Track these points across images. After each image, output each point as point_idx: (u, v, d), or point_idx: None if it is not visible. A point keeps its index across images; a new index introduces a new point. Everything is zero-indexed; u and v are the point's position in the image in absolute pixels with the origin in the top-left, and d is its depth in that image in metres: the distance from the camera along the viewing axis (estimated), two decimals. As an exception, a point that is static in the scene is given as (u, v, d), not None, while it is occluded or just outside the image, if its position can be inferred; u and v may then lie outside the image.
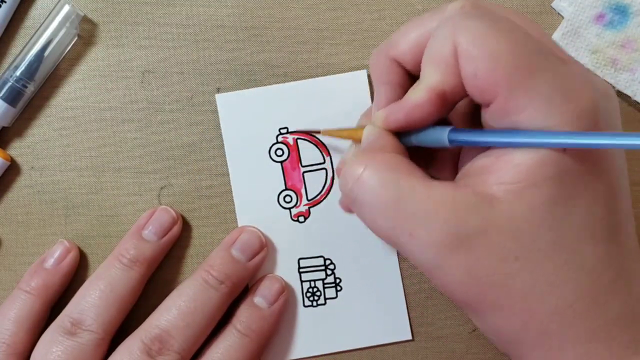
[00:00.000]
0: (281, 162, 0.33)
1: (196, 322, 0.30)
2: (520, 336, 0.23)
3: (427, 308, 0.34)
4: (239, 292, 0.32)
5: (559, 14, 0.33)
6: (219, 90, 0.34)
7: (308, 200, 0.33)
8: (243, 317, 0.31)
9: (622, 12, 0.33)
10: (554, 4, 0.34)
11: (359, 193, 0.24)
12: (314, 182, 0.33)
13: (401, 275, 0.33)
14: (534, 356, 0.23)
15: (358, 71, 0.33)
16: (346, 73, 0.33)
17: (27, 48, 0.33)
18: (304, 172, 0.33)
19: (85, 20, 0.34)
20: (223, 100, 0.33)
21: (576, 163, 0.22)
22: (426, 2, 0.34)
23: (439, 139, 0.25)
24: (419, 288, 0.34)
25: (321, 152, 0.33)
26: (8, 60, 0.34)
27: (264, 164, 0.33)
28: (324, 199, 0.33)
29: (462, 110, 0.27)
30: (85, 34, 0.34)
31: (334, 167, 0.33)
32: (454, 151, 0.28)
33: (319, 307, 0.33)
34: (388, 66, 0.27)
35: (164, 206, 0.33)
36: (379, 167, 0.24)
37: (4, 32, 0.33)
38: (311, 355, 0.33)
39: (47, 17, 0.33)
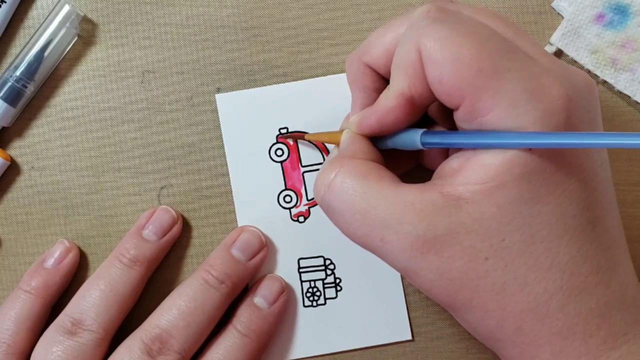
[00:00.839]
0: (281, 162, 0.33)
1: (196, 321, 0.30)
2: (496, 333, 0.23)
3: (427, 308, 0.34)
4: (239, 292, 0.32)
5: (559, 14, 0.34)
6: (219, 90, 0.34)
7: (308, 200, 0.33)
8: (243, 317, 0.31)
9: (622, 12, 0.33)
10: (554, 4, 0.34)
11: (330, 200, 0.25)
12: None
13: (401, 275, 0.33)
14: (513, 352, 0.24)
15: None
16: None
17: (27, 48, 0.33)
18: (304, 172, 0.33)
19: (85, 20, 0.34)
20: (223, 100, 0.33)
21: (545, 162, 0.22)
22: (426, 2, 0.34)
23: (412, 142, 0.25)
24: (416, 290, 0.34)
25: (321, 152, 0.33)
26: (8, 60, 0.34)
27: (264, 164, 0.33)
28: None
29: (443, 108, 0.27)
30: (85, 34, 0.34)
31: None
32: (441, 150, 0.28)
33: (319, 307, 0.33)
34: (362, 71, 0.27)
35: (164, 206, 0.33)
36: (349, 173, 0.24)
37: (4, 32, 0.33)
38: (311, 355, 0.33)
39: (47, 17, 0.33)
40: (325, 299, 0.33)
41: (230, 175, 0.33)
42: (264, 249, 0.33)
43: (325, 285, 0.33)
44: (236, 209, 0.33)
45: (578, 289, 0.22)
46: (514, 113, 0.22)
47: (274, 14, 0.34)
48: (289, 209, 0.33)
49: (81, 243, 0.34)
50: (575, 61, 0.33)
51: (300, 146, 0.33)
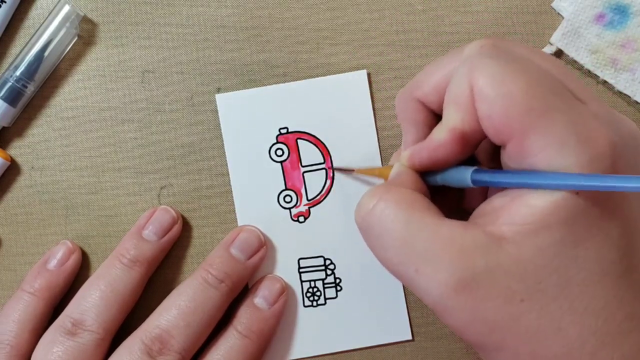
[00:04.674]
0: (281, 162, 0.33)
1: (196, 321, 0.30)
2: None
3: (427, 308, 0.34)
4: (239, 291, 0.32)
5: (559, 14, 0.33)
6: (219, 90, 0.34)
7: (308, 200, 0.33)
8: (243, 318, 0.31)
9: (622, 12, 0.33)
10: (554, 4, 0.34)
11: (370, 223, 0.24)
12: (314, 182, 0.33)
13: None
14: None
15: (358, 71, 0.33)
16: (346, 73, 0.33)
17: (27, 48, 0.33)
18: (304, 172, 0.33)
19: (85, 20, 0.34)
20: (223, 100, 0.33)
21: (590, 205, 0.22)
22: (426, 2, 0.34)
23: (462, 179, 0.25)
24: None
25: (321, 152, 0.33)
26: (8, 60, 0.34)
27: (264, 164, 0.33)
28: (324, 199, 0.33)
29: (490, 148, 0.27)
30: (85, 34, 0.34)
31: (334, 166, 0.33)
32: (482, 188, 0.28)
33: (319, 307, 0.33)
34: (413, 107, 0.27)
35: (164, 206, 0.33)
36: (393, 200, 0.24)
37: (4, 32, 0.33)
38: (311, 355, 0.33)
39: (47, 17, 0.33)
40: (326, 299, 0.33)
41: (230, 175, 0.33)
42: (263, 248, 0.33)
43: (326, 285, 0.33)
44: (236, 209, 0.33)
45: (612, 335, 0.22)
46: (562, 155, 0.21)
47: (274, 14, 0.34)
48: (289, 209, 0.33)
49: (81, 243, 0.34)
50: (575, 61, 0.33)
51: (300, 146, 0.33)
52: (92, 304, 0.30)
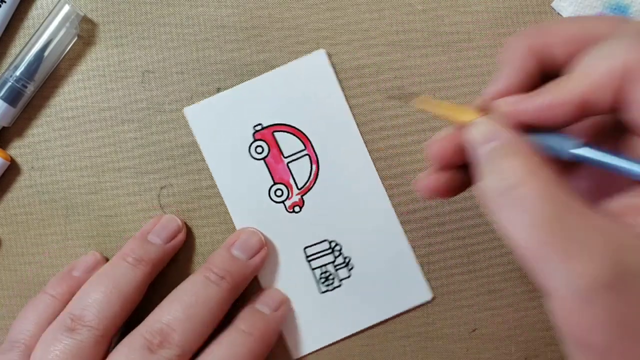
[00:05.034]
0: (263, 158, 0.34)
1: (198, 315, 0.30)
2: None
3: (427, 308, 0.34)
4: (240, 292, 0.32)
5: (558, 14, 0.34)
6: (218, 90, 0.34)
7: (299, 189, 0.34)
8: (246, 318, 0.31)
9: (622, 12, 0.32)
10: (554, 4, 0.34)
11: (512, 198, 0.22)
12: (301, 170, 0.34)
13: (407, 239, 0.33)
14: None
15: (316, 51, 0.33)
16: (305, 56, 0.33)
17: (27, 48, 0.32)
18: (288, 162, 0.34)
19: (85, 20, 0.34)
20: (192, 112, 0.33)
21: None
22: (426, 2, 0.34)
23: (565, 145, 0.23)
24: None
25: (300, 139, 0.33)
26: (8, 60, 0.34)
27: (247, 164, 0.33)
28: (313, 185, 0.34)
29: (589, 124, 0.26)
30: (85, 34, 0.34)
31: (316, 151, 0.33)
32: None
33: (335, 290, 0.34)
34: (528, 53, 0.25)
35: (169, 214, 0.33)
36: (543, 180, 0.22)
37: (4, 32, 0.33)
38: (340, 338, 0.34)
39: (47, 17, 0.33)
40: (340, 280, 0.34)
41: (217, 184, 0.33)
42: (264, 249, 0.33)
43: (337, 267, 0.34)
44: (230, 213, 0.33)
45: None
46: None
47: (274, 14, 0.34)
48: (283, 202, 0.34)
49: (81, 243, 0.34)
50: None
51: (278, 139, 0.33)
52: (94, 300, 0.30)
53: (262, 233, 0.33)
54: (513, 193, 0.22)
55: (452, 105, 0.25)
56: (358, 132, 0.33)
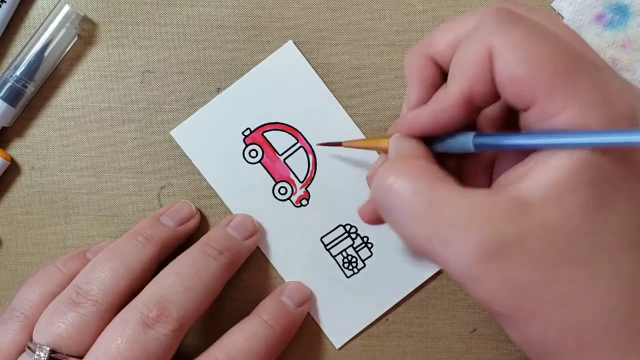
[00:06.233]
0: (259, 161, 0.34)
1: (196, 287, 0.29)
2: (556, 348, 0.22)
3: (427, 308, 0.34)
4: (236, 270, 0.32)
5: (559, 14, 0.33)
6: (218, 91, 0.34)
7: (302, 182, 0.34)
8: (270, 309, 0.31)
9: (622, 12, 0.33)
10: (554, 4, 0.34)
11: (391, 202, 0.24)
12: (299, 164, 0.34)
13: None
14: None
15: (285, 44, 0.33)
16: (275, 51, 0.33)
17: (27, 48, 0.32)
18: (285, 159, 0.34)
19: (85, 20, 0.34)
20: (179, 133, 0.33)
21: (615, 166, 0.21)
22: (426, 2, 0.34)
23: (464, 143, 0.24)
24: (419, 287, 0.34)
25: (290, 134, 0.34)
26: (8, 60, 0.34)
27: (245, 170, 0.33)
28: (315, 175, 0.34)
29: (490, 115, 0.27)
30: (85, 34, 0.34)
31: (309, 140, 0.33)
32: (486, 160, 0.27)
33: (361, 271, 0.34)
34: (423, 64, 0.27)
35: (184, 200, 0.33)
36: (411, 174, 0.23)
37: (4, 32, 0.33)
38: (380, 314, 0.34)
39: (47, 17, 0.33)
40: (363, 261, 0.34)
41: (221, 197, 0.34)
42: (257, 234, 0.33)
43: (357, 249, 0.34)
44: None
45: None
46: (585, 116, 0.21)
47: (274, 14, 0.34)
48: (289, 198, 0.34)
49: (81, 243, 0.34)
50: (576, 61, 0.33)
51: (269, 138, 0.33)
52: (101, 274, 0.29)
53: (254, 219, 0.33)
54: (390, 194, 0.23)
55: (372, 138, 0.30)
56: (344, 111, 0.33)
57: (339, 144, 0.32)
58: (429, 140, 0.26)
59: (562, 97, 0.21)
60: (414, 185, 0.23)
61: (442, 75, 0.27)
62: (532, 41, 0.22)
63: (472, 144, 0.24)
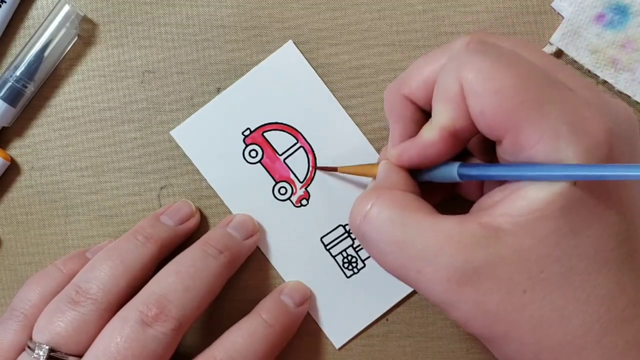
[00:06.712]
0: (259, 161, 0.34)
1: (196, 287, 0.29)
2: None
3: (427, 308, 0.34)
4: (235, 269, 0.32)
5: (559, 14, 0.33)
6: (218, 91, 0.34)
7: (301, 182, 0.34)
8: (270, 307, 0.31)
9: (622, 12, 0.33)
10: (554, 4, 0.34)
11: (366, 230, 0.24)
12: (299, 164, 0.34)
13: None
14: None
15: (285, 44, 0.33)
16: (276, 51, 0.33)
17: (27, 48, 0.33)
18: (285, 159, 0.34)
19: (85, 20, 0.34)
20: (179, 133, 0.33)
21: (587, 194, 0.22)
22: (426, 2, 0.34)
23: (449, 174, 0.25)
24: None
25: (290, 134, 0.34)
26: (8, 60, 0.34)
27: (245, 171, 0.33)
28: (314, 175, 0.34)
29: (483, 142, 0.27)
30: (85, 34, 0.34)
31: (308, 140, 0.33)
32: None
33: (361, 271, 0.34)
34: (401, 102, 0.27)
35: (184, 199, 0.33)
36: (386, 204, 0.24)
37: (4, 32, 0.33)
38: (380, 314, 0.34)
39: (47, 17, 0.33)
40: (363, 261, 0.34)
41: (221, 197, 0.33)
42: (257, 234, 0.33)
43: (357, 249, 0.34)
44: None
45: (615, 321, 0.22)
46: (557, 146, 0.21)
47: (274, 14, 0.34)
48: (289, 198, 0.34)
49: (81, 243, 0.34)
50: (575, 61, 0.33)
51: (269, 138, 0.33)
52: (100, 273, 0.29)
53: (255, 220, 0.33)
54: (364, 222, 0.24)
55: (364, 165, 0.30)
56: (344, 111, 0.33)
57: (334, 169, 0.33)
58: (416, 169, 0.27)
59: (532, 129, 0.22)
60: (388, 214, 0.24)
61: (423, 111, 0.27)
62: (499, 72, 0.22)
63: (457, 173, 0.25)
